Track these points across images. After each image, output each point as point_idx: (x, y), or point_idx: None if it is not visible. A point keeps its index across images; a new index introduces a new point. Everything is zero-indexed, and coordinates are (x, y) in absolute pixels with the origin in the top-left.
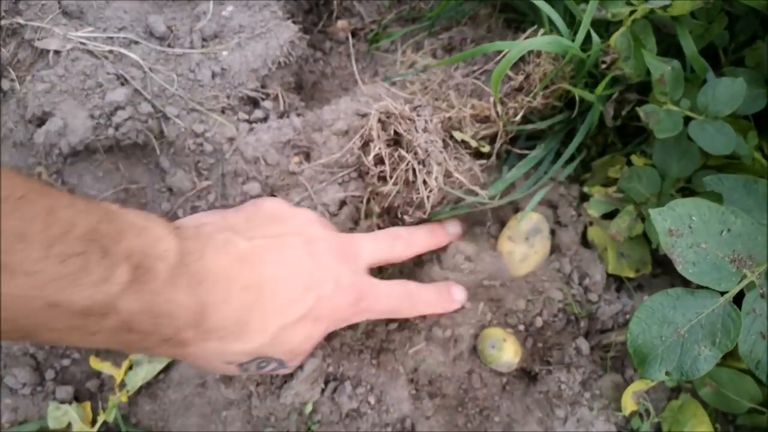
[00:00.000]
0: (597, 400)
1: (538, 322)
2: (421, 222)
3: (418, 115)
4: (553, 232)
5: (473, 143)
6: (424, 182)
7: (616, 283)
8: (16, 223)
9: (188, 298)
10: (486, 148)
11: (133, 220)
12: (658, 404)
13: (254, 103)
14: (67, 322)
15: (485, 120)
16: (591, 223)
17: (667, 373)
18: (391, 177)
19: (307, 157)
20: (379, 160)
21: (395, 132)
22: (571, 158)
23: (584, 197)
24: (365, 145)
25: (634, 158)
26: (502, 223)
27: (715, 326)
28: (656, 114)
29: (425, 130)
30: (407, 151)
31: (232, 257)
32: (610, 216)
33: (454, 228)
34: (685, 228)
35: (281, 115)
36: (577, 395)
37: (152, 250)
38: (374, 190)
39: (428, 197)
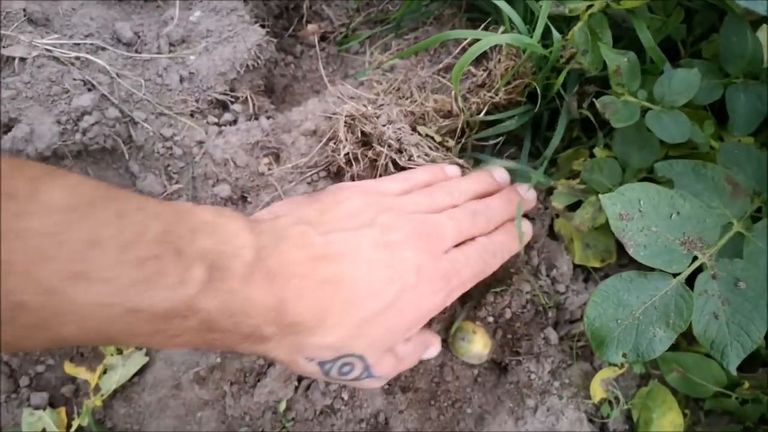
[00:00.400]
0: (566, 388)
1: (507, 313)
2: None
3: (380, 108)
4: None
5: (437, 138)
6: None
7: (584, 273)
8: (88, 230)
9: (265, 294)
10: (450, 143)
11: (206, 217)
12: (627, 391)
13: (223, 106)
14: (150, 326)
15: (448, 115)
16: (557, 216)
17: (624, 355)
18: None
19: (277, 158)
20: (350, 161)
21: (362, 132)
22: (538, 153)
23: (551, 190)
24: (336, 149)
25: (596, 150)
26: None
27: (669, 308)
28: (613, 104)
29: (390, 121)
30: (381, 146)
31: (307, 252)
32: (574, 207)
33: (522, 188)
34: (635, 212)
35: (250, 118)
36: (546, 384)
37: (227, 248)
38: None
39: None
